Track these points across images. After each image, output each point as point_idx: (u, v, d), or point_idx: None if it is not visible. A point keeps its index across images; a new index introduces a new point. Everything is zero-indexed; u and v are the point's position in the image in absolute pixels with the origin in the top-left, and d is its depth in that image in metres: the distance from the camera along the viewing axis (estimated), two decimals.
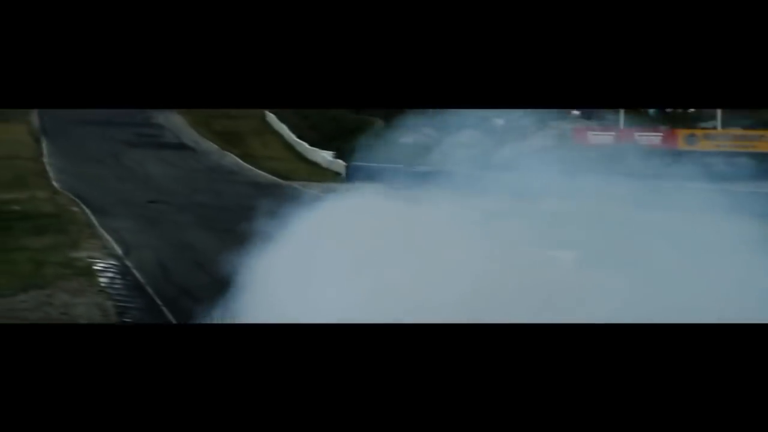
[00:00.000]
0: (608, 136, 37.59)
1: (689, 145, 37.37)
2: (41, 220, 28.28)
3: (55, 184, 34.16)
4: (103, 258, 24.45)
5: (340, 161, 39.74)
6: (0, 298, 20.56)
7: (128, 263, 24.00)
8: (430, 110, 29.50)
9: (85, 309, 20.34)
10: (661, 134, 38.01)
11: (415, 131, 36.11)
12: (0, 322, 18.35)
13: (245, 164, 40.19)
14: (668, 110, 38.04)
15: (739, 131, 37.75)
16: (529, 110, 32.81)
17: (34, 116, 46.58)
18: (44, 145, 41.87)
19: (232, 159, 41.14)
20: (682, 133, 38.15)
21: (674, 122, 38.62)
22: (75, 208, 30.07)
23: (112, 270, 23.50)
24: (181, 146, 43.56)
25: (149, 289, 21.84)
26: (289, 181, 36.64)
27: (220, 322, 16.17)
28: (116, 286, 22.34)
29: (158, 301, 20.85)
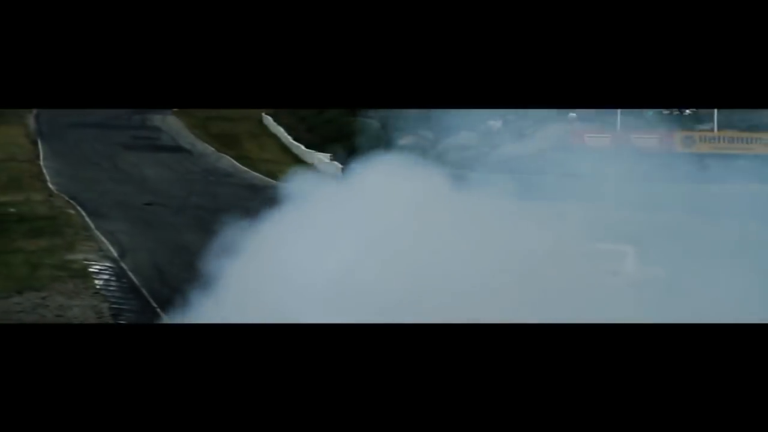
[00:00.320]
0: (605, 138, 37.52)
1: (687, 148, 37.31)
2: (37, 223, 28.25)
3: (51, 186, 34.10)
4: (98, 260, 24.44)
5: (336, 164, 39.69)
6: None
7: (124, 266, 23.99)
8: (428, 111, 29.51)
9: (80, 311, 20.32)
10: (658, 136, 37.95)
11: (413, 133, 36.07)
12: None
13: (241, 166, 40.11)
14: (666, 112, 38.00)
15: (734, 133, 37.71)
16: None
17: (30, 118, 46.50)
18: (41, 147, 41.78)
19: (228, 161, 41.05)
20: (678, 135, 38.08)
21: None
22: (71, 211, 30.03)
23: (107, 272, 23.48)
24: (178, 149, 43.46)
25: (144, 292, 21.82)
26: (286, 183, 36.51)
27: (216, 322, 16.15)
28: (111, 288, 22.32)
29: (153, 304, 20.83)
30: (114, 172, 37.80)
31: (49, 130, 45.00)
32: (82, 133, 44.53)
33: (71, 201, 31.33)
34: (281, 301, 15.67)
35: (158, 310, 20.33)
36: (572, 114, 37.70)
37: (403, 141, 34.45)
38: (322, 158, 41.17)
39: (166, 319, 19.44)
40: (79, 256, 24.74)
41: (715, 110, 37.04)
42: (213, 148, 43.21)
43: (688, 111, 38.29)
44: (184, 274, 21.12)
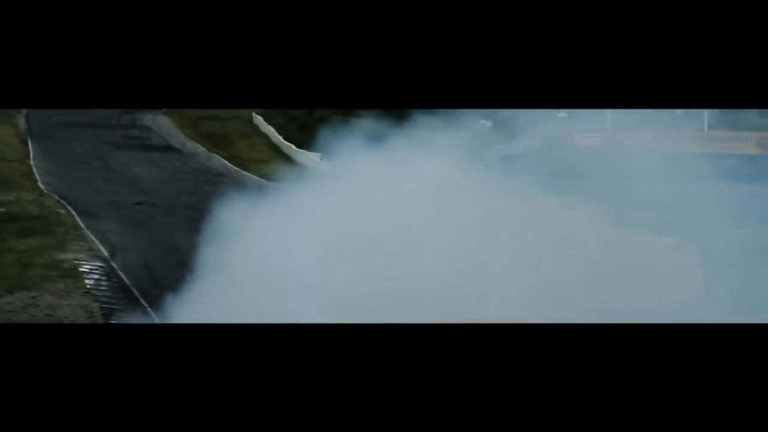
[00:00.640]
0: (596, 138, 37.53)
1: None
2: (27, 222, 28.20)
3: (41, 186, 34.06)
4: (89, 260, 24.42)
5: (327, 163, 39.63)
6: None
7: (114, 265, 23.98)
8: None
9: (70, 310, 20.31)
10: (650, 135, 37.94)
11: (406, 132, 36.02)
12: None
13: (232, 166, 40.09)
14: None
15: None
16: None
17: (20, 118, 46.40)
18: (31, 147, 41.71)
19: (218, 161, 41.03)
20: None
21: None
22: (61, 210, 29.99)
23: (98, 272, 23.47)
24: (168, 148, 43.43)
25: (135, 291, 21.81)
26: (276, 183, 36.54)
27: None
28: (102, 287, 22.32)
29: (144, 303, 20.82)
30: (104, 172, 37.75)
31: (39, 130, 44.92)
32: (72, 132, 44.47)
33: (62, 200, 31.29)
34: (280, 301, 15.70)
35: (149, 309, 20.32)
36: (561, 114, 37.71)
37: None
38: (313, 158, 41.16)
39: (157, 317, 19.45)
40: (70, 256, 24.72)
41: None
42: (204, 148, 43.19)
43: None
44: (174, 273, 21.17)
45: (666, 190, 19.66)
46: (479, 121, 36.87)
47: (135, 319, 19.75)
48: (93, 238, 26.60)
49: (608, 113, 37.39)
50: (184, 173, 38.41)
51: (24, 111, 46.99)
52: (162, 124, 47.24)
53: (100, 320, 19.95)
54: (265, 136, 46.13)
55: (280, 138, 44.61)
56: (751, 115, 36.25)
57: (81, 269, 23.62)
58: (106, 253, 25.08)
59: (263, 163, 40.48)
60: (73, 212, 29.69)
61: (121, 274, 23.28)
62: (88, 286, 22.30)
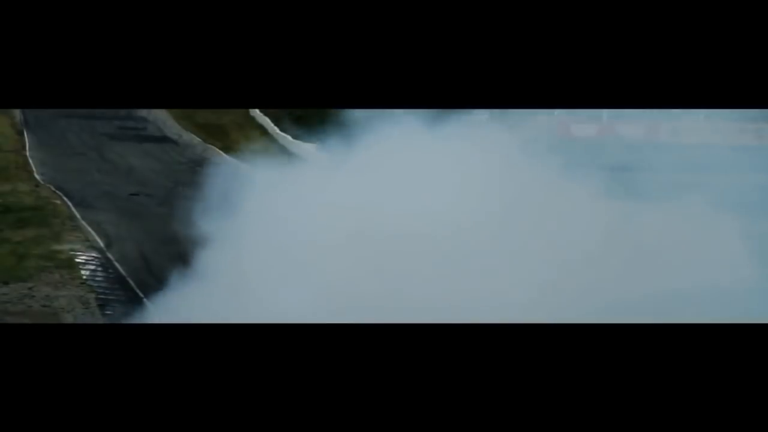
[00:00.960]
0: (591, 129, 37.57)
1: (672, 137, 37.32)
2: (23, 213, 28.20)
3: (37, 176, 34.02)
4: (85, 251, 24.44)
5: (323, 153, 39.60)
6: None
7: (110, 256, 23.99)
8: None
9: (66, 301, 20.32)
10: (644, 127, 37.98)
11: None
12: None
13: (228, 157, 40.07)
14: None
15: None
16: None
17: (16, 109, 46.34)
18: (27, 137, 41.65)
19: (214, 152, 41.01)
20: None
21: None
22: (57, 201, 29.97)
23: (94, 262, 23.48)
24: (164, 139, 43.41)
25: (131, 282, 21.80)
26: (272, 174, 36.46)
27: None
28: (98, 278, 22.33)
29: (140, 294, 20.82)
30: (100, 163, 37.72)
31: (35, 121, 44.85)
32: (68, 123, 44.41)
33: (57, 191, 31.27)
34: (277, 293, 15.69)
35: (145, 300, 20.32)
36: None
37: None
38: (309, 149, 41.14)
39: (153, 308, 19.45)
40: (66, 247, 24.72)
41: None
42: (199, 139, 43.16)
43: None
44: (170, 264, 21.16)
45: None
46: (476, 113, 36.90)
47: (131, 309, 19.75)
48: (89, 229, 26.60)
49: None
50: (180, 164, 38.41)
51: None
52: (158, 115, 47.18)
53: (96, 311, 19.95)
54: (261, 128, 46.12)
55: (276, 129, 44.61)
56: None
57: (77, 260, 23.63)
58: (102, 244, 25.08)
59: (259, 154, 40.44)
60: (69, 203, 29.68)
61: (117, 264, 23.29)
62: (85, 277, 22.32)
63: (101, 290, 21.41)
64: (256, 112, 46.97)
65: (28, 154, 38.58)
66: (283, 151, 42.20)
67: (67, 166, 36.40)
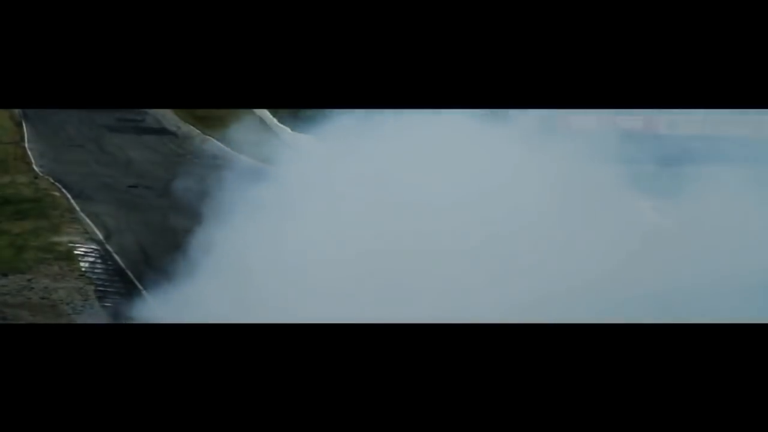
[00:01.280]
0: (589, 120, 37.49)
1: (670, 130, 37.27)
2: (22, 205, 28.19)
3: (36, 168, 34.01)
4: (84, 243, 24.43)
5: (321, 145, 39.58)
6: None
7: (109, 248, 24.00)
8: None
9: (65, 293, 20.34)
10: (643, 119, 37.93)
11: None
12: None
13: (227, 149, 40.05)
14: None
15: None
16: None
17: None
18: (25, 129, 41.62)
19: (213, 144, 41.00)
20: None
21: None
22: (56, 193, 29.96)
23: (93, 255, 23.50)
24: (163, 131, 43.40)
25: (130, 274, 21.82)
26: (271, 166, 36.50)
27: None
28: (97, 270, 22.34)
29: (139, 286, 20.83)
30: (99, 155, 37.71)
31: (33, 112, 44.78)
32: (66, 115, 44.36)
33: (56, 183, 31.26)
34: (277, 289, 15.70)
35: (144, 292, 20.33)
36: None
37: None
38: (307, 140, 41.14)
39: (152, 300, 19.48)
40: (65, 239, 24.73)
41: None
42: (198, 131, 43.15)
43: None
44: (169, 256, 21.20)
45: None
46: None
47: (130, 302, 19.77)
48: (88, 221, 26.60)
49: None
50: (178, 156, 38.40)
51: None
52: None
53: (95, 303, 19.97)
54: (259, 119, 46.11)
55: (275, 120, 44.61)
56: None
57: (76, 252, 23.64)
58: (101, 236, 25.09)
59: (258, 146, 40.44)
60: (68, 195, 29.66)
61: (116, 256, 23.30)
62: (83, 269, 22.33)
63: (100, 282, 21.43)
64: None
65: (26, 145, 38.55)
66: (282, 143, 42.18)
67: (66, 158, 36.38)
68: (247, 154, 38.83)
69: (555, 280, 15.30)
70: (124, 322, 18.41)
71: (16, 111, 44.93)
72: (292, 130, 42.56)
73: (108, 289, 20.96)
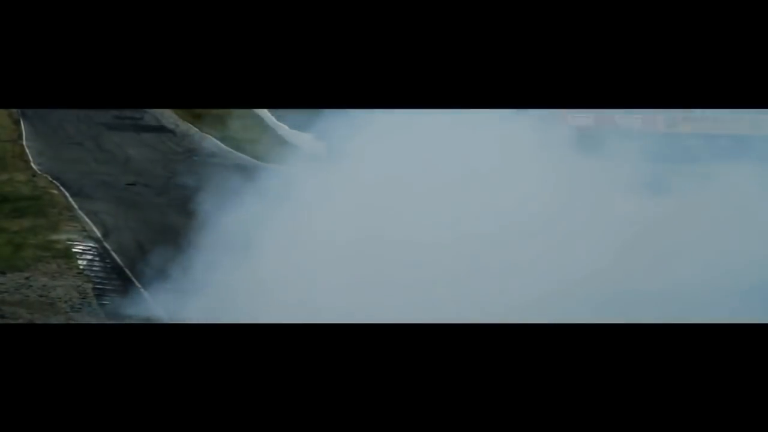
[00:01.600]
0: (587, 118, 37.50)
1: (669, 128, 37.25)
2: (20, 203, 28.20)
3: (34, 166, 34.03)
4: (82, 241, 24.43)
5: (322, 143, 39.57)
6: None
7: (107, 246, 23.99)
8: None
9: (63, 291, 20.31)
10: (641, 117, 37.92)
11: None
12: None
13: (225, 147, 40.07)
14: None
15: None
16: None
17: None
18: (23, 127, 41.65)
19: (212, 142, 41.00)
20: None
21: None
22: (54, 191, 29.98)
23: (91, 252, 23.48)
24: (161, 129, 43.41)
25: (128, 272, 21.81)
26: (270, 164, 36.55)
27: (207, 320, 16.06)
28: (95, 268, 22.32)
29: (137, 284, 20.82)
30: (97, 153, 37.74)
31: (32, 111, 44.85)
32: (65, 113, 44.39)
33: (54, 181, 31.28)
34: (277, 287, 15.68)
35: (142, 290, 20.32)
36: None
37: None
38: (308, 138, 41.12)
39: (150, 298, 19.47)
40: (63, 237, 24.72)
41: None
42: (196, 129, 43.16)
43: None
44: (167, 254, 21.19)
45: None
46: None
47: (128, 300, 19.76)
48: (86, 218, 26.60)
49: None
50: (177, 154, 38.41)
51: None
52: None
53: (93, 301, 19.95)
54: (258, 117, 46.10)
55: (274, 118, 44.59)
56: None
57: (74, 250, 23.63)
58: (99, 234, 25.08)
59: (257, 144, 40.45)
60: (66, 193, 29.68)
61: (114, 254, 23.29)
62: (82, 267, 22.31)
63: (98, 280, 21.41)
64: None
65: (25, 143, 38.58)
66: (281, 141, 42.18)
67: (64, 156, 36.41)
68: (245, 152, 38.88)
69: (554, 279, 15.29)
70: (121, 320, 18.38)
71: (15, 109, 44.98)
72: (290, 128, 42.56)
73: (106, 287, 20.94)
